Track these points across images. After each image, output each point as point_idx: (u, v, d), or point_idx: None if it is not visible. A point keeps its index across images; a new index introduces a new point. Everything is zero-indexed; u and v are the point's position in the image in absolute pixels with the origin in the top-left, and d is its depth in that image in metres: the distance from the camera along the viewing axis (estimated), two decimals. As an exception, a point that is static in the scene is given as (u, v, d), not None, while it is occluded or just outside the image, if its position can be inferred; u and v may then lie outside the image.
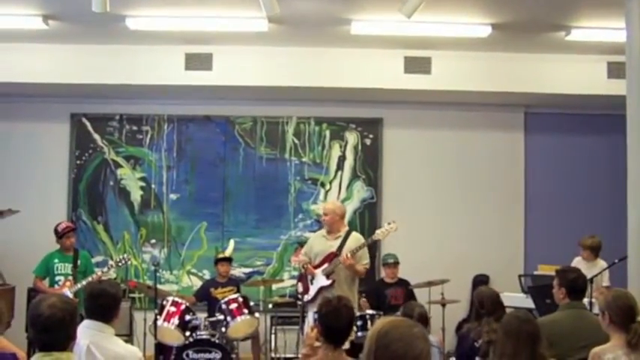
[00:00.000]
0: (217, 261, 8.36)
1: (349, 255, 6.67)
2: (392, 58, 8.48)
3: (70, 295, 6.93)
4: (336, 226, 7.03)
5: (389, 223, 7.01)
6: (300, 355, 4.23)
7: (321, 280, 6.84)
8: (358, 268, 6.82)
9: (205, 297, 8.13)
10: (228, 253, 8.41)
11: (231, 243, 8.62)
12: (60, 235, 7.56)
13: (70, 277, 7.42)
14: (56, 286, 7.38)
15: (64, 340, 3.09)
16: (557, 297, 4.78)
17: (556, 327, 4.49)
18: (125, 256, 7.63)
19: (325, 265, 6.86)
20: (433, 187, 9.33)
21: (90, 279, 7.14)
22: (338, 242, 6.92)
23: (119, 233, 9.19)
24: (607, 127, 8.84)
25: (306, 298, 6.96)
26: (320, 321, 3.86)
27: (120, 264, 7.58)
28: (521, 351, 3.62)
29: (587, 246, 7.57)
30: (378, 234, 7.04)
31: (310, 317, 6.55)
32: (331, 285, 6.78)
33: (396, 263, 8.35)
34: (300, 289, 7.27)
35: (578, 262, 7.42)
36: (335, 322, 3.79)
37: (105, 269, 7.58)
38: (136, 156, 9.27)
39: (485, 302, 5.09)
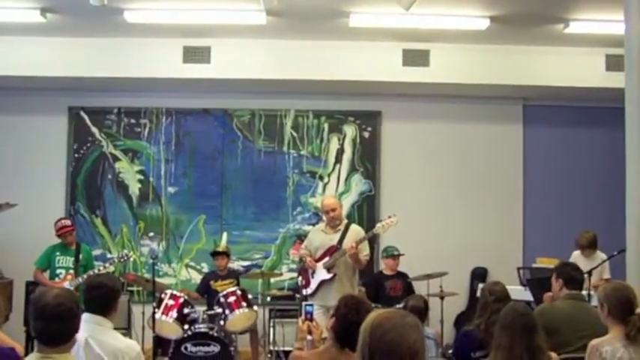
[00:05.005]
0: (213, 255, 8.37)
1: (355, 245, 6.67)
2: (390, 50, 8.46)
3: (71, 289, 6.94)
4: (340, 219, 7.06)
5: (389, 217, 6.95)
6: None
7: (322, 274, 6.85)
8: (360, 258, 6.83)
9: (206, 289, 8.14)
10: (221, 247, 8.40)
11: (224, 236, 8.60)
12: (58, 235, 7.59)
13: (72, 271, 7.44)
14: (57, 279, 7.41)
15: (71, 330, 3.04)
16: (555, 290, 4.81)
17: (556, 314, 4.53)
18: (127, 252, 7.70)
19: (326, 259, 6.86)
20: (431, 179, 9.30)
21: (91, 273, 7.15)
22: (338, 235, 6.93)
23: (117, 227, 9.17)
24: (605, 119, 8.82)
25: (308, 291, 6.97)
26: (338, 317, 3.57)
27: (122, 260, 7.63)
28: (516, 343, 3.61)
29: (584, 243, 7.55)
30: (379, 228, 6.99)
31: (302, 310, 6.54)
32: (332, 278, 6.80)
33: (399, 255, 8.36)
34: (302, 282, 7.26)
35: (576, 257, 7.41)
36: (355, 318, 3.34)
37: (107, 264, 7.60)
38: (134, 149, 9.25)
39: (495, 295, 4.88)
